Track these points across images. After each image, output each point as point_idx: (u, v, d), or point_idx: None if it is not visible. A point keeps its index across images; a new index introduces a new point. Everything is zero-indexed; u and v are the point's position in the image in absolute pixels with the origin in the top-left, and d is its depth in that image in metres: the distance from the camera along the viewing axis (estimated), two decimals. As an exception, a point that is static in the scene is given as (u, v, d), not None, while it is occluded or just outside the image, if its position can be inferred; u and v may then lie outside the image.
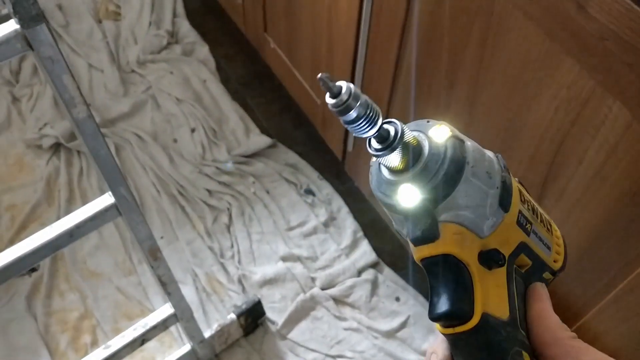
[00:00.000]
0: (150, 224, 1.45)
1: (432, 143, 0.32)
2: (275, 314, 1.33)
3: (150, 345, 1.25)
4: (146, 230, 0.88)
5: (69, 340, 1.29)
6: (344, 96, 0.29)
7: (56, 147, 1.60)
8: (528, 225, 0.36)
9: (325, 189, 1.54)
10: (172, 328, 1.28)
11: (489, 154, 0.34)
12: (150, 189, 1.53)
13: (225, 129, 1.66)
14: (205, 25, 1.92)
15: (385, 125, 0.32)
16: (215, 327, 1.24)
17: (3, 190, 1.52)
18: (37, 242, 0.80)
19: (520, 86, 0.78)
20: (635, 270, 0.72)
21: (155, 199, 1.51)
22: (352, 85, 0.29)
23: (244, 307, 1.27)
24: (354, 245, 1.44)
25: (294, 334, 1.31)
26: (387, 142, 0.31)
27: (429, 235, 0.33)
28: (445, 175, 0.31)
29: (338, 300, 1.35)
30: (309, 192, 1.54)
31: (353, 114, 0.30)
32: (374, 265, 1.41)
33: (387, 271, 1.41)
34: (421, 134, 0.33)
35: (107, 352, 1.03)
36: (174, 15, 1.93)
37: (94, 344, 1.29)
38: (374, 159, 0.34)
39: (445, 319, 0.34)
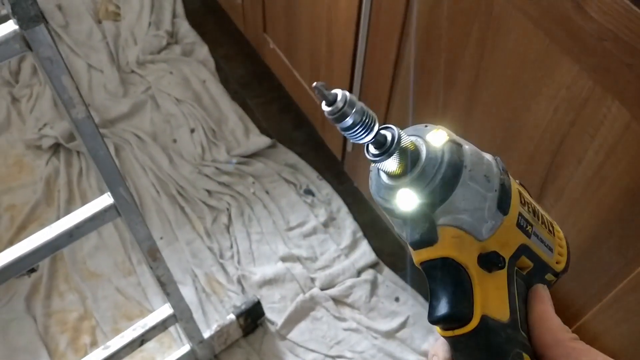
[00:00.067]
0: (149, 224, 1.45)
1: (430, 147, 0.32)
2: (275, 315, 1.33)
3: (150, 345, 1.25)
4: (145, 231, 0.88)
5: (68, 341, 1.29)
6: (339, 104, 0.30)
7: (56, 148, 1.60)
8: (529, 227, 0.36)
9: (325, 189, 1.54)
10: (172, 328, 1.28)
11: (488, 157, 0.34)
12: (149, 189, 1.53)
13: (224, 129, 1.66)
14: (204, 26, 1.92)
15: (382, 131, 0.32)
16: (214, 327, 1.24)
17: (2, 191, 1.52)
18: (36, 243, 0.80)
19: (520, 86, 0.78)
20: (635, 270, 0.72)
21: (155, 199, 1.51)
22: (347, 93, 0.30)
23: (243, 307, 1.27)
24: (353, 245, 1.44)
25: (294, 335, 1.31)
26: (384, 148, 0.32)
27: (428, 239, 0.33)
28: (443, 179, 0.31)
29: (337, 301, 1.35)
30: (309, 192, 1.54)
31: (349, 120, 0.30)
32: (373, 266, 1.41)
33: (387, 271, 1.41)
34: (419, 139, 0.33)
35: (107, 353, 1.03)
36: (174, 15, 1.93)
37: (94, 344, 1.29)
38: (373, 164, 0.34)
39: (444, 322, 0.34)
